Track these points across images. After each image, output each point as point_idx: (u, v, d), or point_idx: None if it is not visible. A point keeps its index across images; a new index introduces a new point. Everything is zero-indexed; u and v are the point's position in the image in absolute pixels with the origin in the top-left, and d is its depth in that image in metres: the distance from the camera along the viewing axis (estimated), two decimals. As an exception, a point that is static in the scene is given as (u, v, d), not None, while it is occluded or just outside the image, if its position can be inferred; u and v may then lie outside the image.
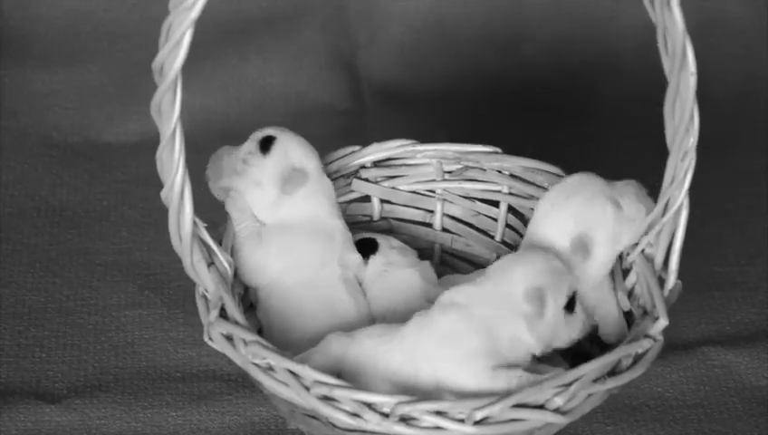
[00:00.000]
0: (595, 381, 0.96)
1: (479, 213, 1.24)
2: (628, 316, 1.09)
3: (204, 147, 1.16)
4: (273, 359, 0.96)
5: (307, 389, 0.95)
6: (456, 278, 1.15)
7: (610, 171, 1.13)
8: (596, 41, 1.62)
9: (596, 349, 1.08)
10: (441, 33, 1.62)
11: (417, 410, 0.93)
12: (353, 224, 1.20)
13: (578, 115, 1.55)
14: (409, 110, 1.55)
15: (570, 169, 1.16)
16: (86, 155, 1.46)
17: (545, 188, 1.17)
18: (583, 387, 0.95)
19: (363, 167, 1.22)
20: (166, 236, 0.99)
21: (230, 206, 1.13)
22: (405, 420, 0.94)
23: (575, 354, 1.07)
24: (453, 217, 1.25)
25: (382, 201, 1.24)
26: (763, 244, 1.36)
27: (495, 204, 1.23)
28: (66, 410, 1.13)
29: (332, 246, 1.13)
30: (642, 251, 1.08)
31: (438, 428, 0.93)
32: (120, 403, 1.14)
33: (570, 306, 1.02)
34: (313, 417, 1.00)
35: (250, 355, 0.97)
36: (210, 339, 1.01)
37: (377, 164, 1.22)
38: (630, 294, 1.09)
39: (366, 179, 1.23)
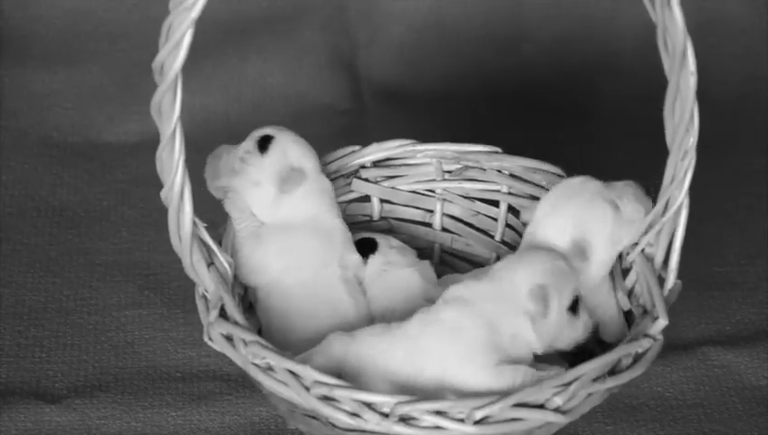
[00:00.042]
0: (595, 380, 0.96)
1: (479, 213, 1.24)
2: (628, 316, 1.09)
3: (204, 147, 1.16)
4: (273, 359, 0.96)
5: (307, 389, 0.95)
6: (456, 278, 1.15)
7: (610, 171, 1.13)
8: (596, 41, 1.62)
9: (597, 348, 1.08)
10: (441, 33, 1.62)
11: (417, 409, 0.93)
12: (353, 224, 1.20)
13: (578, 115, 1.55)
14: (409, 110, 1.54)
15: (570, 169, 1.16)
16: (86, 155, 1.46)
17: (545, 188, 1.17)
18: (583, 386, 0.95)
19: (363, 167, 1.22)
20: (166, 236, 0.99)
21: (229, 206, 1.13)
22: (404, 419, 0.94)
23: (575, 353, 1.06)
24: (453, 217, 1.25)
25: (382, 201, 1.24)
26: (763, 244, 1.36)
27: (495, 203, 1.23)
28: (66, 410, 1.13)
29: (332, 245, 1.13)
30: (642, 251, 1.08)
31: (438, 427, 0.93)
32: (120, 403, 1.14)
33: (573, 308, 1.02)
34: (313, 417, 1.00)
35: (250, 355, 0.97)
36: (210, 339, 1.01)
37: (376, 164, 1.23)
38: (630, 293, 1.09)
39: (366, 179, 1.23)
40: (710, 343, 1.22)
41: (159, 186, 0.96)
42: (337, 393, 0.94)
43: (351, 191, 1.23)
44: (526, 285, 1.01)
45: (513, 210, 1.22)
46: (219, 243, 1.08)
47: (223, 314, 1.01)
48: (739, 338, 1.23)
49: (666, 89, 0.96)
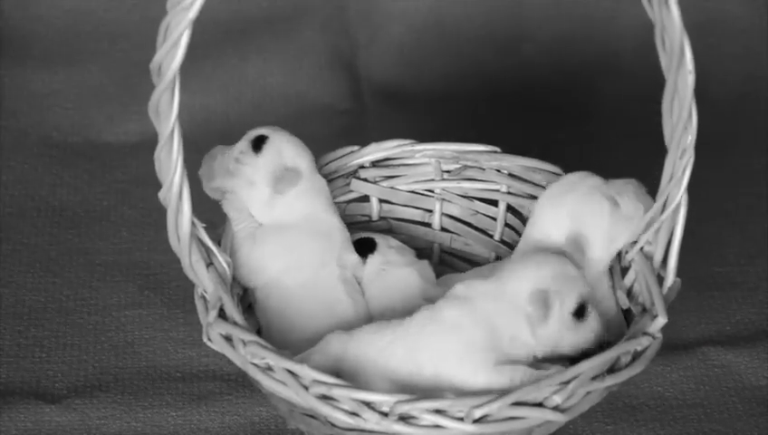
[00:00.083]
0: (594, 378, 0.96)
1: (478, 212, 1.24)
2: (627, 314, 1.09)
3: (204, 147, 1.16)
4: (272, 359, 0.96)
5: (306, 388, 0.95)
6: (454, 277, 1.15)
7: (610, 171, 1.13)
8: (596, 41, 1.62)
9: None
10: (441, 33, 1.62)
11: (416, 408, 0.93)
12: (352, 224, 1.20)
13: (578, 115, 1.55)
14: (409, 110, 1.55)
15: (570, 169, 1.16)
16: (86, 155, 1.46)
17: (544, 187, 1.17)
18: (582, 385, 0.95)
19: (362, 167, 1.22)
20: (166, 236, 0.99)
21: (227, 206, 1.13)
22: (404, 418, 0.94)
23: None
24: (452, 217, 1.25)
25: (381, 201, 1.24)
26: (763, 244, 1.36)
27: (494, 203, 1.23)
28: (66, 410, 1.13)
29: (331, 245, 1.13)
30: (641, 249, 1.07)
31: (437, 426, 0.93)
32: (120, 403, 1.14)
33: (579, 313, 1.02)
34: (312, 416, 1.00)
35: (249, 355, 0.97)
36: (209, 339, 1.01)
37: (375, 164, 1.22)
38: (629, 291, 1.09)
39: (365, 179, 1.23)
40: (710, 343, 1.22)
41: (159, 186, 0.96)
42: (336, 392, 0.94)
43: (350, 191, 1.23)
44: (528, 288, 1.01)
45: (512, 210, 1.22)
46: (218, 243, 1.08)
47: (222, 314, 1.01)
48: (739, 338, 1.23)
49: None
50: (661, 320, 1.01)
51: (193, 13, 0.87)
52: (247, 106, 1.53)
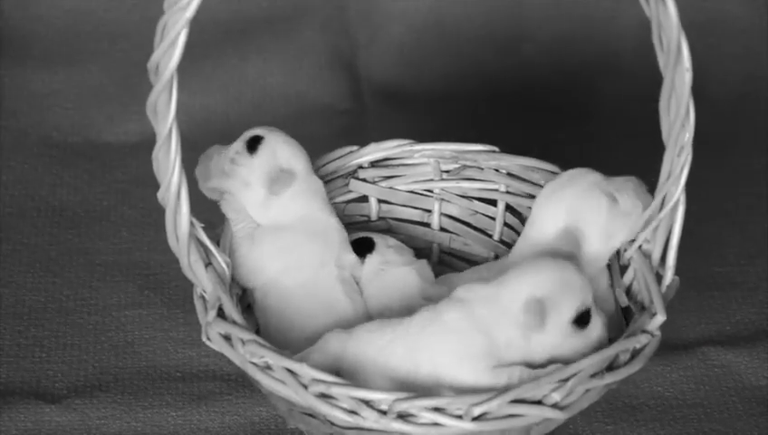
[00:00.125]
0: (593, 376, 0.96)
1: (477, 212, 1.24)
2: (626, 312, 1.08)
3: (204, 147, 1.16)
4: (271, 358, 0.96)
5: (305, 387, 0.95)
6: (452, 277, 1.15)
7: (611, 171, 1.13)
8: (596, 41, 1.62)
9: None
10: (441, 33, 1.62)
11: (415, 406, 0.93)
12: (351, 224, 1.20)
13: (578, 115, 1.55)
14: (409, 110, 1.55)
15: (570, 169, 1.16)
16: (86, 155, 1.46)
17: (542, 187, 1.17)
18: (581, 382, 0.95)
19: (361, 167, 1.22)
20: (165, 236, 0.99)
21: (225, 207, 1.13)
22: (403, 416, 0.94)
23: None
24: (451, 217, 1.25)
25: (380, 201, 1.24)
26: (763, 244, 1.35)
27: (493, 203, 1.23)
28: (66, 410, 1.13)
29: (329, 245, 1.13)
30: (639, 247, 1.07)
31: (436, 424, 0.93)
32: (120, 403, 1.14)
33: (580, 321, 1.01)
34: (312, 415, 1.00)
35: (248, 354, 0.98)
36: (208, 339, 1.01)
37: (374, 164, 1.22)
38: (628, 290, 1.09)
39: (363, 180, 1.23)
40: (710, 342, 1.22)
41: (159, 186, 0.96)
42: (335, 391, 0.94)
43: (349, 192, 1.23)
44: (524, 295, 1.00)
45: (511, 209, 1.22)
46: (217, 243, 1.08)
47: (221, 313, 1.01)
48: (739, 338, 1.23)
49: (665, 88, 0.97)
50: (660, 318, 1.01)
51: (190, 12, 0.87)
52: (247, 106, 1.53)
